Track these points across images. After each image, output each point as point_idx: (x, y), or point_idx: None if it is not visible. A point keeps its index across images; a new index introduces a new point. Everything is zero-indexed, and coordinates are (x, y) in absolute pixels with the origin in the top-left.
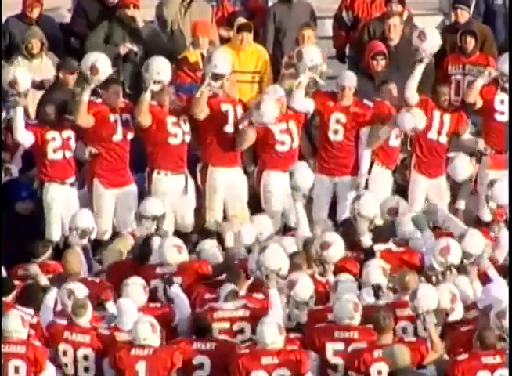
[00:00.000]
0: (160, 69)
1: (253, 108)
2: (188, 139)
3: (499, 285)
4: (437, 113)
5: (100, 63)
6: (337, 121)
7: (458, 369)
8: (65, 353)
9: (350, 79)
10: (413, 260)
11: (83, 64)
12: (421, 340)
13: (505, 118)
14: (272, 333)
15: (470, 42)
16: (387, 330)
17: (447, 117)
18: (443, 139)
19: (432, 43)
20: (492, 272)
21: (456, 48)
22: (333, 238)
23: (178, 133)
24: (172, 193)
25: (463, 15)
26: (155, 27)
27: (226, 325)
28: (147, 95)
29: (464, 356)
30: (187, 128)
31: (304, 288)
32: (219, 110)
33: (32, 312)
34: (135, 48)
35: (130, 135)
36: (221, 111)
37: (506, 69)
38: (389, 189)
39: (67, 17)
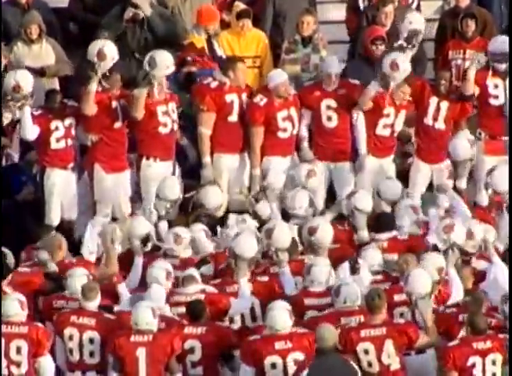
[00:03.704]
0: (168, 63)
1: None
2: (176, 127)
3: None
4: (434, 100)
5: (108, 48)
6: (329, 108)
7: (449, 355)
8: (71, 337)
9: (335, 65)
10: (419, 246)
11: (90, 51)
12: (410, 323)
13: (499, 102)
14: (284, 318)
15: (471, 26)
16: (378, 309)
17: (444, 103)
18: (440, 125)
19: (402, 74)
20: (496, 259)
21: (456, 34)
22: (319, 222)
23: (168, 122)
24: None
25: None
26: (163, 10)
27: (182, 309)
28: (145, 91)
29: (455, 342)
30: (175, 116)
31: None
32: (224, 102)
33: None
34: (140, 13)
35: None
36: (227, 102)
37: (496, 49)
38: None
39: (62, 2)
